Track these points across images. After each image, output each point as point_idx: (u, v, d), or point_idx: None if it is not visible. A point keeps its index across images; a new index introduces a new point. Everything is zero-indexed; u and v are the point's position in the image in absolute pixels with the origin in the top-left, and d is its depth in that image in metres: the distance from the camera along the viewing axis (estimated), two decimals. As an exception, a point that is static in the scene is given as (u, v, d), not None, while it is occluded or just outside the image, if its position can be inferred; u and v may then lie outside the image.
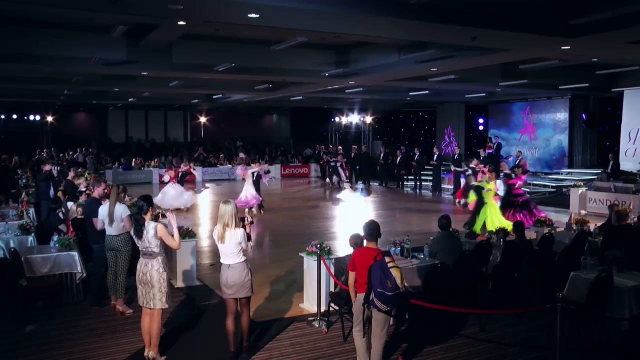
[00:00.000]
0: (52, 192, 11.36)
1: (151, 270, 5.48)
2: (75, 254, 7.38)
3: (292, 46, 11.98)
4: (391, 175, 22.89)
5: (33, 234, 8.39)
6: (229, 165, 26.15)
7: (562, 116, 22.47)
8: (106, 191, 7.63)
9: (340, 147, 25.67)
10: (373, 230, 5.25)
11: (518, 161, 17.50)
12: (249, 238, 5.56)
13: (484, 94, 22.54)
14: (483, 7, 8.77)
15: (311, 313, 6.88)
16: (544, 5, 9.17)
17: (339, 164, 22.79)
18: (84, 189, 10.63)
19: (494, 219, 11.10)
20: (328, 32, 11.21)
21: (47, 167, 11.71)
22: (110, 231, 6.89)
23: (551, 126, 22.95)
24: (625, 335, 5.65)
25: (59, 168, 15.37)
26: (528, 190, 18.39)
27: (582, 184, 16.73)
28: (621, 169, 17.79)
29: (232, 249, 5.46)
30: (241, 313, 5.69)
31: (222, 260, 5.60)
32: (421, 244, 8.10)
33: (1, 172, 14.20)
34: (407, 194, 20.08)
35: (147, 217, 5.55)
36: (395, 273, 4.86)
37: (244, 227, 5.56)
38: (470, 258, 7.22)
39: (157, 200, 14.45)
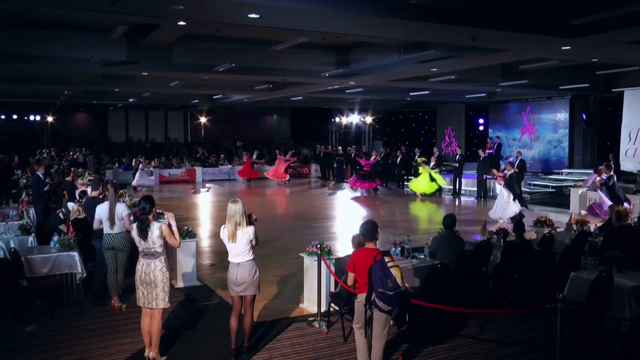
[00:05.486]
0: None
1: (154, 270, 5.48)
2: (75, 254, 7.37)
3: (292, 46, 11.98)
4: (391, 175, 22.87)
5: (33, 234, 8.39)
6: (229, 165, 26.15)
7: (562, 116, 22.47)
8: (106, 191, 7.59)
9: (340, 147, 25.66)
10: (370, 230, 5.25)
11: (518, 161, 17.49)
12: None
13: (484, 94, 22.54)
14: (483, 7, 8.77)
15: (311, 313, 6.87)
16: (544, 5, 9.18)
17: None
18: (85, 189, 10.60)
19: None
20: (328, 32, 11.21)
21: (41, 170, 11.63)
22: (111, 230, 6.89)
23: (551, 126, 22.95)
24: (625, 335, 5.64)
25: (58, 173, 15.21)
26: (528, 190, 18.48)
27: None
28: (621, 169, 17.76)
29: (243, 247, 5.50)
30: (245, 312, 5.70)
31: (230, 259, 5.61)
32: (421, 244, 8.11)
33: (1, 172, 14.13)
34: (406, 194, 20.07)
35: (150, 217, 5.57)
36: (395, 272, 4.86)
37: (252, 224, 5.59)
38: (470, 258, 7.22)
39: None
